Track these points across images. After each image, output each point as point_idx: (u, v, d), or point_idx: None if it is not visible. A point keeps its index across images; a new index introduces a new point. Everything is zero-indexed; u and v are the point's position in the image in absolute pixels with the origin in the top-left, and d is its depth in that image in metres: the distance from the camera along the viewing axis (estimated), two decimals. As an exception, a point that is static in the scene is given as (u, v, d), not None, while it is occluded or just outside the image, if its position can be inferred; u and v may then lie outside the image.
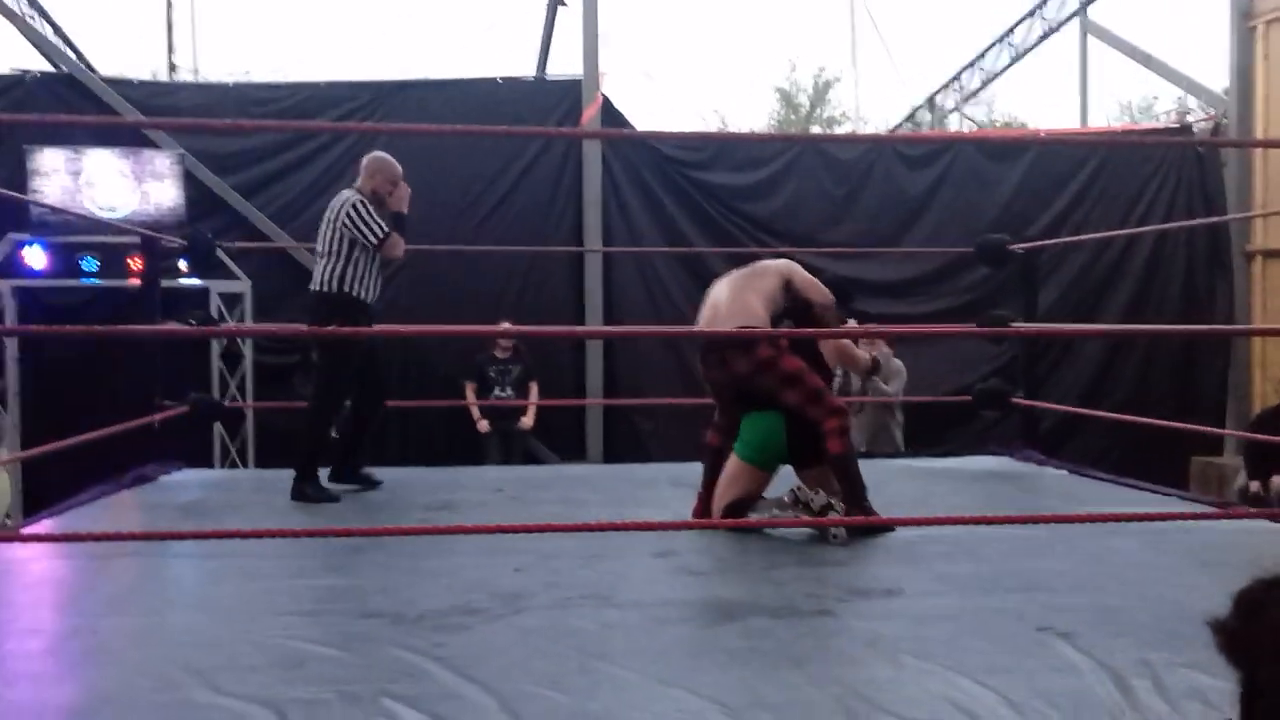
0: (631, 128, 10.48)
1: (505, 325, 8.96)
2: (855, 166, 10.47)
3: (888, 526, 4.51)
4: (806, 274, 4.88)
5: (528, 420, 9.24)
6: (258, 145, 9.85)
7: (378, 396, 5.91)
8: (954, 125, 16.52)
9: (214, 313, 8.96)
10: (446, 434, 9.49)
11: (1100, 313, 10.29)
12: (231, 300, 9.38)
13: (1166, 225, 9.79)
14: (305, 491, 5.40)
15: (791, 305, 4.83)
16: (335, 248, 5.44)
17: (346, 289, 5.43)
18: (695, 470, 5.58)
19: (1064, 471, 6.51)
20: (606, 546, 4.24)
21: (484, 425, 9.16)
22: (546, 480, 6.54)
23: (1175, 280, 10.54)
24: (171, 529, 4.79)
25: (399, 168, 5.62)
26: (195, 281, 9.03)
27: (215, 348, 9.24)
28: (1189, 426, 6.91)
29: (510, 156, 9.98)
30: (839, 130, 30.85)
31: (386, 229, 5.44)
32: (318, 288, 5.47)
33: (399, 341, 8.73)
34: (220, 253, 8.09)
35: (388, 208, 5.57)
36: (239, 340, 9.27)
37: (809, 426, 4.59)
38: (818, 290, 4.84)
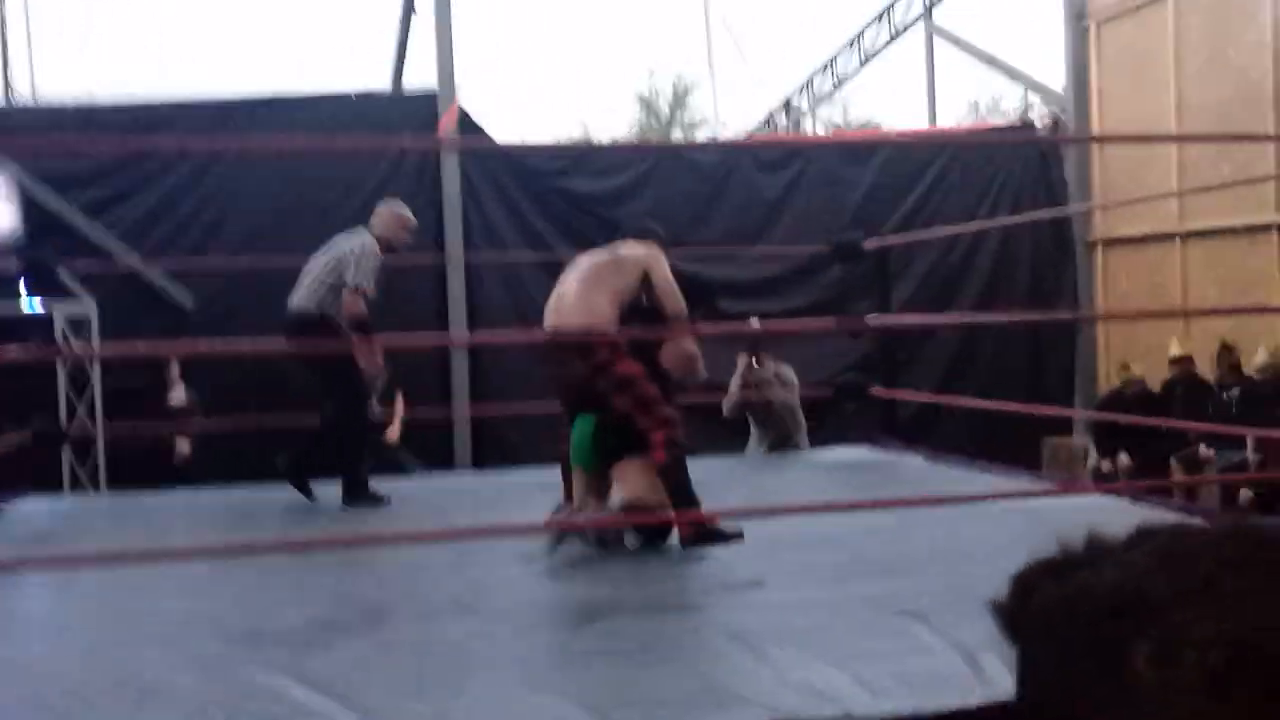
0: (489, 137, 10.41)
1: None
2: (714, 171, 10.58)
3: (724, 534, 4.34)
4: (667, 275, 4.64)
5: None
6: (101, 164, 9.52)
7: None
8: (809, 127, 16.86)
9: (59, 337, 8.63)
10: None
11: (954, 304, 10.58)
12: (78, 325, 9.04)
13: (1012, 219, 10.12)
14: (358, 498, 5.71)
15: (643, 303, 4.67)
16: (326, 276, 5.73)
17: (327, 314, 5.73)
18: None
19: (921, 459, 6.67)
20: (471, 555, 4.20)
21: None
22: (412, 491, 6.46)
23: (1023, 270, 10.90)
24: (19, 559, 4.60)
25: (412, 218, 5.97)
26: (38, 306, 8.69)
27: (61, 371, 8.90)
28: (1039, 409, 7.13)
29: (365, 170, 9.81)
30: (700, 134, 31.21)
31: (363, 287, 5.65)
32: (298, 308, 5.78)
33: (254, 355, 8.51)
34: (63, 275, 7.81)
35: (393, 250, 5.92)
36: (86, 362, 8.95)
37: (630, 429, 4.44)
38: (673, 299, 4.61)
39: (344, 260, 5.71)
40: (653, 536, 4.33)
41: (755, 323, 7.61)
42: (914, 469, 6.37)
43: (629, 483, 4.36)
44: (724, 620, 3.36)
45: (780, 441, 7.31)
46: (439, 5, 9.79)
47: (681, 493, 4.38)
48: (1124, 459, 8.88)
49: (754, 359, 7.18)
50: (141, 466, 8.85)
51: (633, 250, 4.74)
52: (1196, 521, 0.68)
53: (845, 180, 10.71)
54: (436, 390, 9.83)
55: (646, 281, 4.61)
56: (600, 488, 4.53)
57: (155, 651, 3.18)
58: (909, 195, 10.74)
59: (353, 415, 5.92)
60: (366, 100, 10.08)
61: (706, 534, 4.33)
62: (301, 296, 5.81)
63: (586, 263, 4.73)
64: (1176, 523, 0.69)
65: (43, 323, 8.61)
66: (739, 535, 4.36)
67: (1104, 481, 8.91)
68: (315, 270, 5.80)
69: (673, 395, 4.71)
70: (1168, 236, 9.93)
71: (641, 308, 4.71)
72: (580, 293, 4.57)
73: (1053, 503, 4.83)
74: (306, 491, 5.92)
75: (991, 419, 8.94)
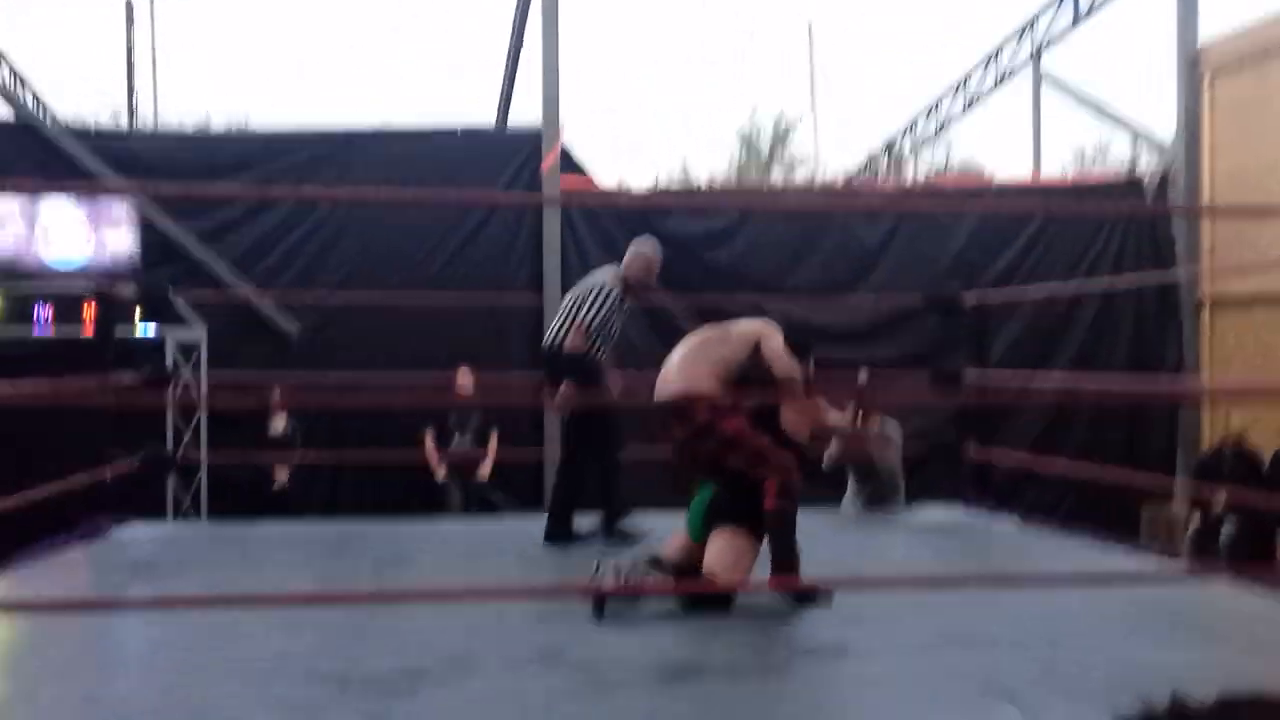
0: (589, 175, 10.54)
1: (464, 372, 8.96)
2: (812, 214, 10.59)
3: (816, 595, 4.36)
4: (779, 345, 4.67)
5: (485, 470, 9.23)
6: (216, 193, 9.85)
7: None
8: (910, 170, 16.76)
9: (169, 362, 8.91)
10: (404, 482, 9.47)
11: (1052, 361, 10.42)
12: (188, 349, 9.34)
13: (1116, 278, 9.95)
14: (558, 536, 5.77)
15: (754, 373, 4.66)
16: (572, 312, 5.82)
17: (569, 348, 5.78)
18: (649, 520, 5.62)
19: (1014, 525, 6.57)
20: (558, 603, 4.24)
21: (442, 474, 9.14)
22: (504, 532, 6.54)
23: (1125, 327, 10.70)
24: (121, 586, 4.76)
25: (658, 258, 5.95)
26: (151, 332, 8.99)
27: (170, 397, 9.19)
28: (1138, 478, 6.97)
29: (467, 208, 10.02)
30: (799, 174, 31.13)
31: (591, 325, 5.75)
32: (550, 344, 5.89)
33: (356, 386, 8.70)
34: (176, 301, 8.08)
35: (641, 290, 6.01)
36: (190, 386, 9.22)
37: (744, 493, 4.45)
38: (784, 365, 4.63)
39: (583, 297, 5.84)
40: (703, 606, 4.27)
41: (864, 376, 7.51)
42: (1007, 535, 6.27)
43: (710, 551, 4.37)
44: (806, 690, 3.35)
45: (876, 499, 7.24)
46: (546, 43, 9.96)
47: (784, 544, 4.39)
48: (1227, 525, 8.65)
49: (859, 414, 7.11)
50: (242, 493, 9.10)
51: (746, 325, 4.80)
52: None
53: (945, 229, 10.63)
54: (529, 431, 9.94)
55: (757, 352, 4.64)
56: (693, 556, 4.53)
57: (239, 691, 3.26)
58: (1010, 246, 10.63)
59: (601, 453, 5.90)
60: (473, 136, 10.30)
61: (798, 592, 4.35)
62: (552, 334, 5.93)
63: (695, 338, 4.79)
64: (1257, 694, 0.69)
65: (155, 347, 8.91)
66: (829, 595, 4.38)
67: (1203, 545, 8.70)
68: (566, 306, 5.94)
69: (806, 459, 4.67)
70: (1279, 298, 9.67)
71: (751, 378, 4.68)
72: (683, 364, 4.64)
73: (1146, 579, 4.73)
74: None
75: (1088, 483, 8.76)
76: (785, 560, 4.38)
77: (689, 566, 4.46)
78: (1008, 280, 10.31)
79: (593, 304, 5.79)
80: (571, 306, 5.87)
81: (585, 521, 5.94)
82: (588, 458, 5.97)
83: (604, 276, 5.91)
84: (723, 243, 10.45)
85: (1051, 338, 10.59)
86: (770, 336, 4.70)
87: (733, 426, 4.45)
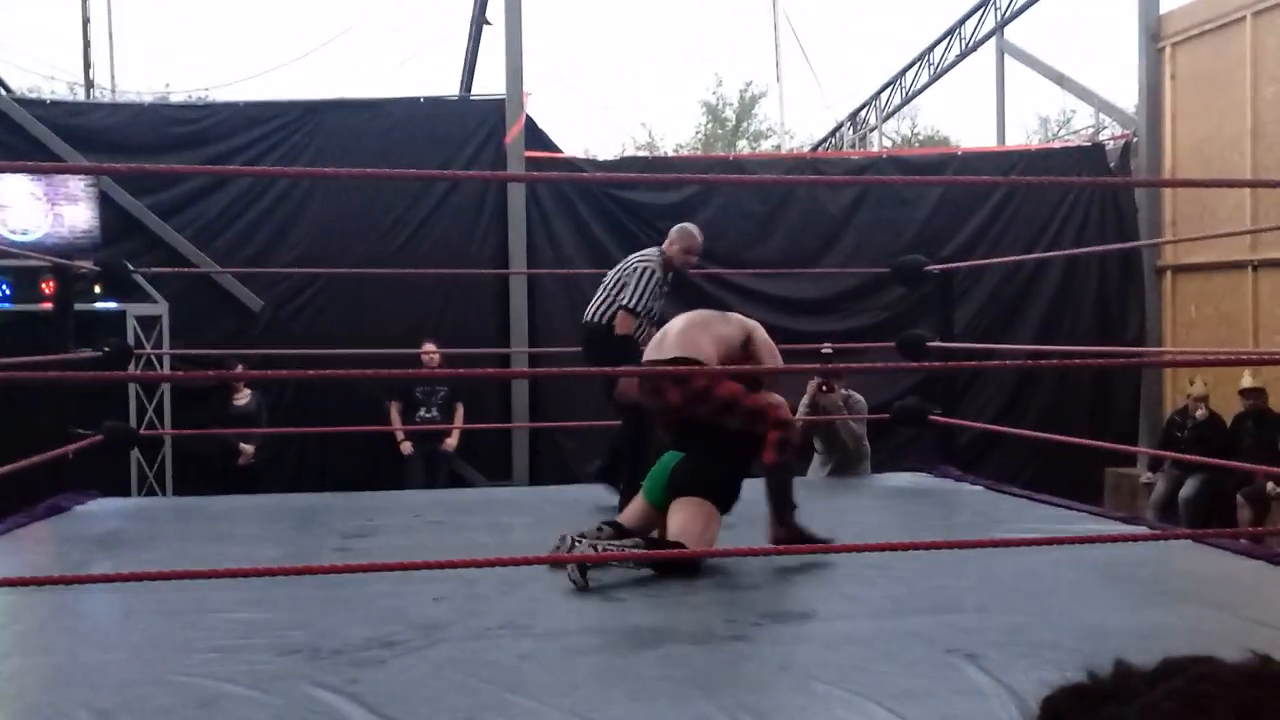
0: (554, 145, 10.50)
1: (429, 347, 8.95)
2: (776, 185, 10.59)
3: (816, 536, 4.55)
4: (768, 339, 4.89)
5: (451, 442, 9.24)
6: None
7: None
8: (875, 142, 16.79)
9: (130, 337, 8.83)
10: (368, 457, 9.45)
11: (1016, 329, 10.51)
12: (149, 323, 9.26)
13: (1079, 250, 10.01)
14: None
15: (744, 361, 4.83)
16: (614, 291, 5.91)
17: (610, 324, 5.86)
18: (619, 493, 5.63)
19: (980, 488, 6.64)
20: (527, 572, 4.26)
21: (407, 447, 9.14)
22: (471, 503, 6.56)
23: (1089, 295, 10.79)
24: (86, 562, 4.73)
25: (699, 240, 6.04)
26: (111, 305, 8.90)
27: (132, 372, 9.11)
28: (1102, 444, 7.05)
29: (431, 180, 9.95)
30: (766, 145, 31.15)
31: (637, 307, 5.81)
32: (590, 322, 5.98)
33: (321, 362, 8.66)
34: (137, 275, 8.00)
35: (678, 271, 6.08)
36: (153, 360, 9.15)
37: (721, 461, 4.58)
38: (774, 359, 4.86)
39: (625, 277, 5.91)
40: (669, 571, 4.30)
41: (827, 349, 7.60)
42: (973, 499, 6.35)
43: (675, 518, 4.42)
44: (774, 652, 3.38)
45: (842, 467, 7.30)
46: (510, 13, 9.90)
47: (783, 495, 4.58)
48: (1187, 487, 8.78)
49: (823, 385, 7.18)
50: (207, 468, 9.06)
51: (741, 317, 5.02)
52: (1220, 661, 0.71)
53: (910, 199, 10.67)
54: (496, 402, 9.94)
55: (749, 343, 4.83)
56: (652, 522, 4.57)
57: (209, 662, 3.26)
58: (975, 214, 10.69)
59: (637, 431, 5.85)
60: (436, 104, 10.22)
61: (799, 536, 4.53)
62: (593, 310, 5.99)
63: (696, 314, 4.95)
64: (1200, 660, 0.71)
65: (116, 322, 8.82)
66: (830, 539, 4.56)
67: (1165, 507, 8.82)
68: (607, 284, 6.00)
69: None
70: (1240, 265, 9.77)
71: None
72: (683, 332, 4.77)
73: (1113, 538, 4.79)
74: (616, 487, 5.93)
75: (1052, 448, 8.86)
76: (785, 510, 4.56)
77: (648, 532, 4.53)
78: (972, 249, 10.38)
79: (637, 285, 5.87)
80: (614, 286, 5.94)
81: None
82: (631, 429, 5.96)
83: (646, 259, 6.00)
84: (688, 214, 10.41)
85: (1016, 306, 10.67)
86: (762, 331, 4.94)
87: (729, 390, 4.60)
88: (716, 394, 4.60)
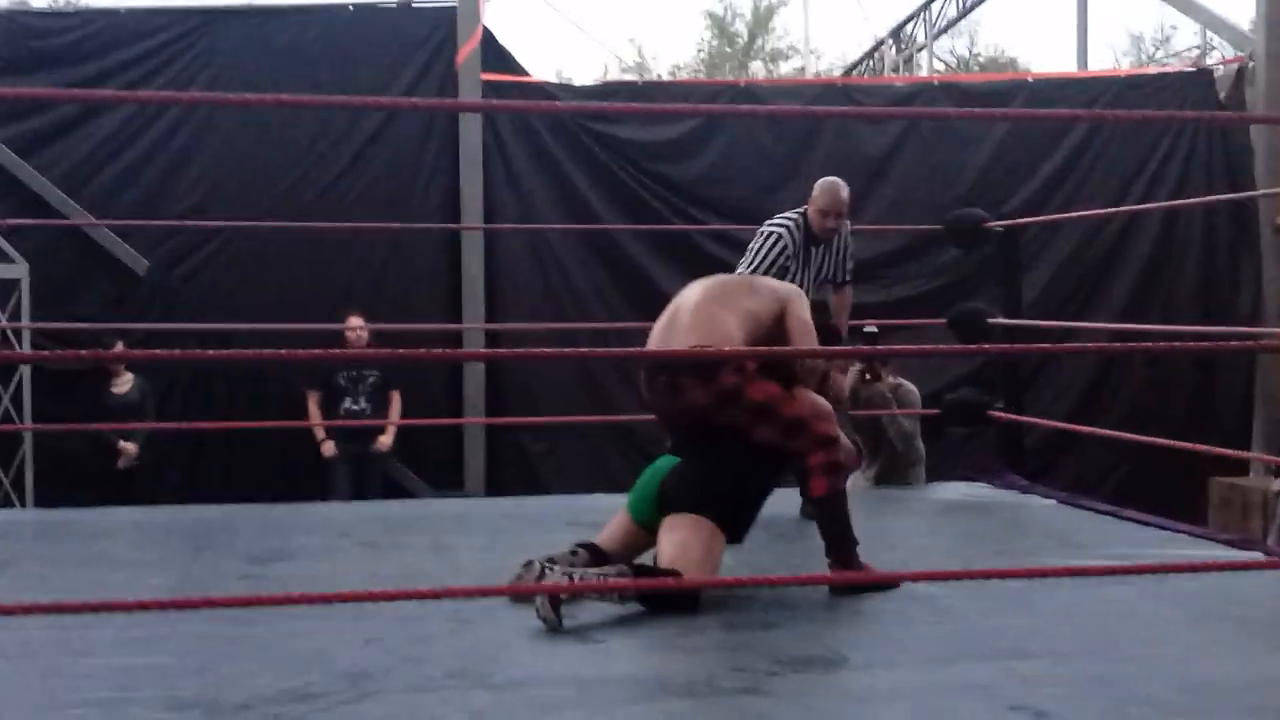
0: (520, 67, 10.47)
1: (355, 321, 8.92)
2: (800, 119, 10.58)
3: (881, 583, 4.55)
4: (807, 319, 4.76)
5: (386, 440, 9.22)
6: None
7: None
8: (924, 65, 16.79)
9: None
10: (281, 458, 9.44)
11: (1098, 303, 10.52)
12: (4, 289, 9.22)
13: (1179, 203, 10.01)
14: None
15: (773, 341, 4.70)
16: (748, 259, 6.19)
17: None
18: (597, 505, 5.63)
19: (1053, 501, 6.67)
20: (481, 607, 4.25)
21: (329, 448, 9.12)
22: (411, 519, 6.54)
23: (1191, 260, 10.81)
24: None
25: (839, 199, 6.16)
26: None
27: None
28: (1208, 449, 7.07)
29: (360, 111, 9.89)
30: (785, 68, 31.17)
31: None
32: None
33: (221, 339, 8.64)
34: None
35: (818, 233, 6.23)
36: (9, 335, 9.12)
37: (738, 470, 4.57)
38: (808, 340, 4.70)
39: (752, 244, 6.22)
40: (661, 607, 4.29)
41: (871, 327, 7.57)
42: (1044, 515, 6.37)
43: (669, 540, 4.40)
44: (794, 710, 3.38)
45: (889, 474, 7.32)
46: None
47: (840, 531, 4.56)
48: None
49: (866, 372, 7.19)
50: (79, 472, 9.02)
51: (774, 282, 4.99)
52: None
53: (966, 137, 10.67)
54: (444, 391, 9.92)
55: (781, 320, 4.71)
56: (639, 545, 4.58)
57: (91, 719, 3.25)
58: (1048, 159, 10.69)
59: None
60: (367, 12, 10.17)
61: (869, 580, 4.53)
62: None
63: (711, 280, 4.89)
64: None
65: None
66: (895, 584, 4.55)
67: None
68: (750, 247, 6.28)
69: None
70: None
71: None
72: (701, 306, 4.67)
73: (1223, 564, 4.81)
74: None
75: (1144, 451, 8.89)
76: (844, 548, 4.55)
77: (634, 557, 4.53)
78: (1044, 202, 10.38)
79: (758, 253, 6.11)
80: (747, 252, 6.22)
81: None
82: None
83: (784, 219, 6.19)
84: (688, 155, 10.43)
85: (1099, 274, 10.68)
86: (799, 305, 4.79)
87: (766, 392, 4.51)
88: (750, 395, 4.50)
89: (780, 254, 6.08)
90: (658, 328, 4.80)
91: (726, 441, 4.55)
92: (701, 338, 4.54)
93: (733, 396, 4.50)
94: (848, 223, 6.34)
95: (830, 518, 4.57)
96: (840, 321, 6.31)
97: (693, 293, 4.79)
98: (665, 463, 4.64)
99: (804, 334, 4.70)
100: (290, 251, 9.60)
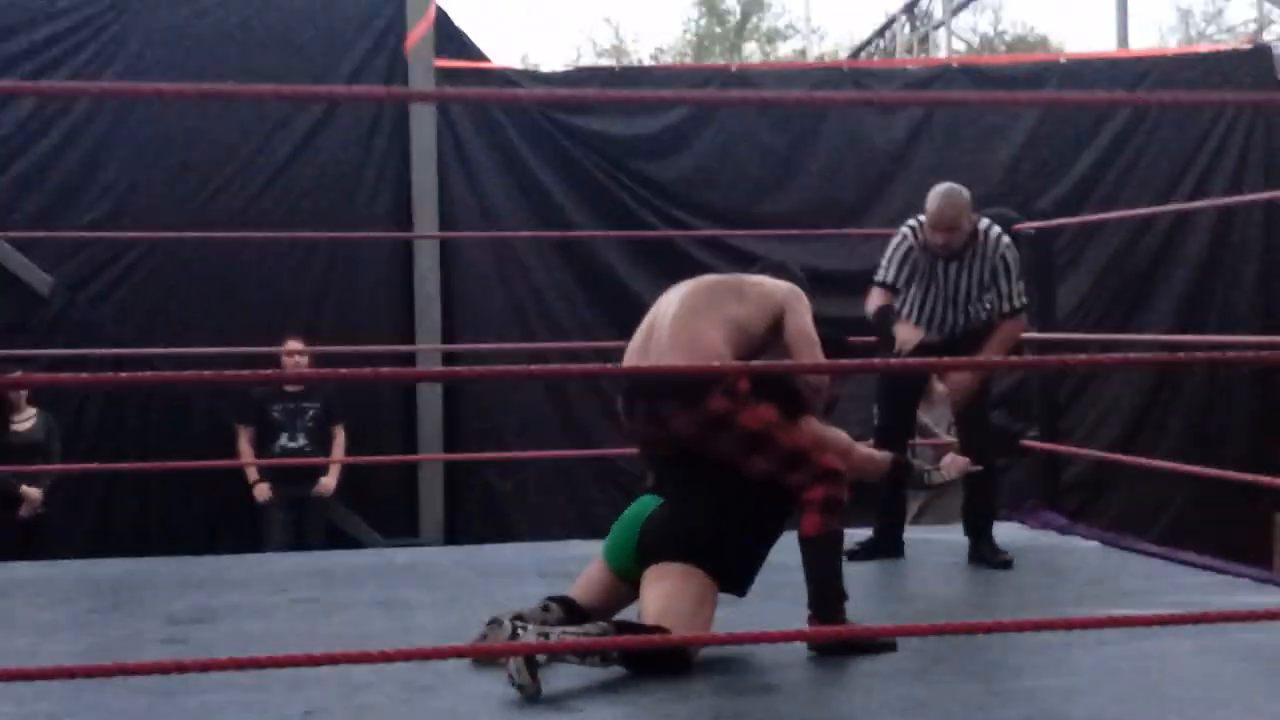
0: (479, 51, 10.49)
1: (293, 345, 8.91)
2: (800, 108, 10.59)
3: (872, 644, 4.50)
4: (808, 327, 4.69)
5: (329, 482, 9.19)
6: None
7: None
8: (942, 45, 16.87)
9: None
10: (208, 504, 9.42)
11: (1146, 312, 10.55)
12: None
13: (1236, 200, 10.05)
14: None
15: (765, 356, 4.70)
16: (884, 260, 6.38)
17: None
18: (573, 553, 5.62)
19: (1096, 543, 6.68)
20: (437, 675, 4.25)
21: (263, 490, 9.10)
22: (358, 571, 6.53)
23: (1250, 262, 10.84)
24: None
25: (943, 212, 6.15)
26: None
27: None
28: (1271, 480, 7.09)
29: (295, 104, 9.89)
30: (783, 50, 31.28)
31: (885, 279, 6.29)
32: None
33: (138, 366, 8.61)
34: None
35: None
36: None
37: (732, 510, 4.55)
38: (810, 353, 4.65)
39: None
40: (647, 668, 4.29)
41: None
42: (1086, 559, 6.38)
43: (653, 593, 4.39)
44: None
45: (940, 508, 7.37)
46: None
47: (827, 578, 4.51)
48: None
49: None
50: None
51: (767, 283, 4.83)
52: None
53: (991, 127, 10.70)
54: (396, 424, 9.90)
55: (777, 330, 4.66)
56: (618, 599, 4.58)
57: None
58: (1085, 151, 10.72)
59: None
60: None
61: (849, 643, 4.48)
62: None
63: (696, 286, 4.78)
64: None
65: None
66: (891, 646, 4.51)
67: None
68: None
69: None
70: None
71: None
72: (683, 321, 4.60)
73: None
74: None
75: (1200, 484, 8.91)
76: (828, 599, 4.49)
77: (613, 612, 4.53)
78: (1082, 199, 10.41)
79: (887, 252, 6.33)
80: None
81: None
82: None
83: (911, 222, 6.34)
84: (673, 151, 10.44)
85: (1144, 281, 10.71)
86: (799, 311, 4.72)
87: (760, 418, 4.49)
88: (742, 422, 4.47)
89: (900, 255, 6.24)
90: (633, 345, 4.76)
91: (717, 476, 4.53)
92: (682, 357, 4.50)
93: (723, 423, 4.47)
94: (1003, 236, 6.30)
95: (818, 563, 4.51)
96: (992, 346, 6.22)
97: (671, 301, 4.72)
98: (646, 503, 4.63)
99: (805, 345, 4.64)
100: (217, 266, 9.55)
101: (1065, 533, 6.93)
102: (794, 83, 11.62)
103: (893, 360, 5.78)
